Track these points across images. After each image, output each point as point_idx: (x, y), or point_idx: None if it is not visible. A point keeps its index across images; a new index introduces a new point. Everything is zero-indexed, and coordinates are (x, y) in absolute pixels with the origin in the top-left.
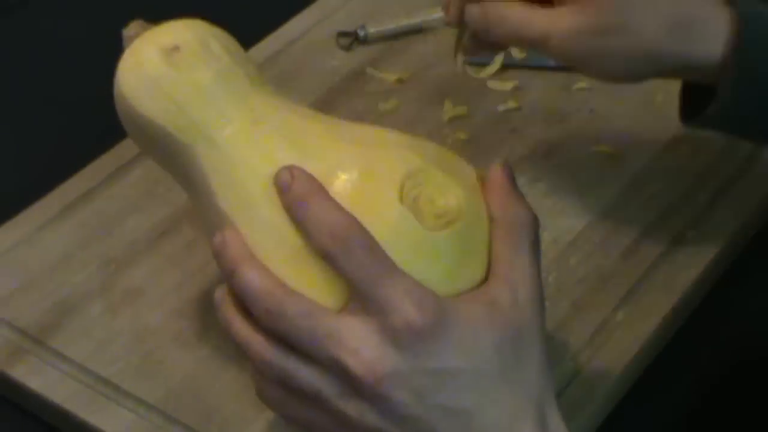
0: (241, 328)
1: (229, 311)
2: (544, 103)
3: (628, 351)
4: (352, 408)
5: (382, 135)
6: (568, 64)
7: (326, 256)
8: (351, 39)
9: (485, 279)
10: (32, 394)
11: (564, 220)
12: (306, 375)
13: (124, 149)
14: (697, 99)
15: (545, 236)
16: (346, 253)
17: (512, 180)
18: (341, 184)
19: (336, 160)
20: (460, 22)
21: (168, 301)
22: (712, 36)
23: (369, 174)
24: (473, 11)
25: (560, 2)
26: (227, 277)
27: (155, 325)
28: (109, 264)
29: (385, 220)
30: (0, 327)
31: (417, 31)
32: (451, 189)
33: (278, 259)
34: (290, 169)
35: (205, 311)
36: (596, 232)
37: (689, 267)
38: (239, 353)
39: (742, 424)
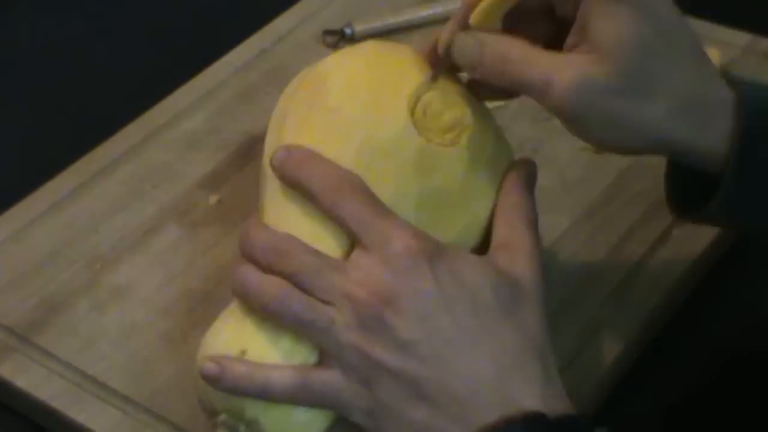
0: (257, 273)
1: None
2: (530, 102)
3: (614, 347)
4: (361, 339)
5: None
6: (564, 122)
7: (326, 209)
8: (337, 37)
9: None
10: (19, 392)
11: (550, 218)
12: (318, 307)
13: (111, 147)
14: (685, 186)
15: None
16: (342, 200)
17: (527, 177)
18: (358, 82)
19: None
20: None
21: (155, 299)
22: (720, 124)
23: (382, 80)
24: (466, 41)
25: (572, 47)
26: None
27: (142, 323)
28: (96, 262)
29: (391, 129)
30: None
31: (403, 29)
32: (458, 105)
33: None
34: (286, 146)
35: (192, 309)
36: (582, 230)
37: (675, 263)
38: None
39: (728, 418)
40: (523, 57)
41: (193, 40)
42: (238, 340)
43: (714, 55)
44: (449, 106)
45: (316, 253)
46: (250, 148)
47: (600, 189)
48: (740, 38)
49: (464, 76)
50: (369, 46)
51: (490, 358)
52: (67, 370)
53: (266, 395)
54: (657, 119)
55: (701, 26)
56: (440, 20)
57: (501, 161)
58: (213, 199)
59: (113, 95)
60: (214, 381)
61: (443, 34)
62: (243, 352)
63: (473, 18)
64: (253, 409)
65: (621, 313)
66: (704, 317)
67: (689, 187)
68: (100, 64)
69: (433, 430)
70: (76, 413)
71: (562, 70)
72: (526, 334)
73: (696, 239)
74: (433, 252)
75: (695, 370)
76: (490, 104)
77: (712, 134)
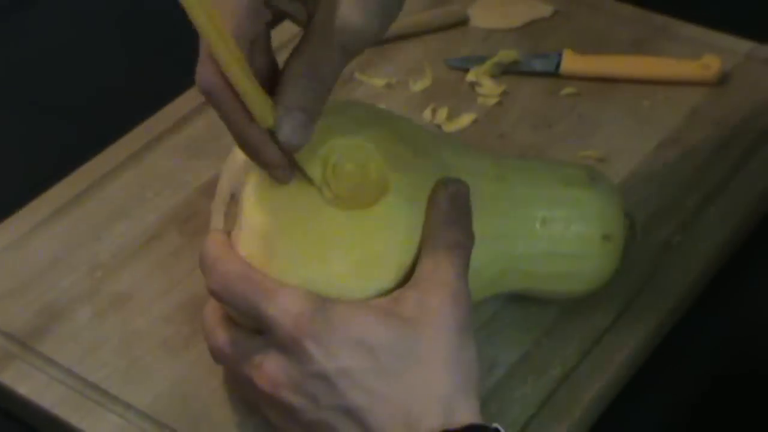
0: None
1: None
2: (532, 108)
3: (616, 356)
4: (273, 415)
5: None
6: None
7: (220, 301)
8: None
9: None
10: (20, 399)
11: None
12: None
13: (113, 154)
14: None
15: None
16: (226, 291)
17: (453, 199)
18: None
19: None
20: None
21: (156, 306)
22: None
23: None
24: (298, 92)
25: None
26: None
27: (143, 330)
28: (98, 269)
29: (305, 201)
30: None
31: (406, 36)
32: (370, 165)
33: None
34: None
35: (193, 316)
36: None
37: (678, 272)
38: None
39: (735, 424)
40: (316, 60)
41: (196, 46)
42: None
43: (714, 62)
44: (357, 165)
45: (233, 340)
46: None
47: None
48: (742, 46)
49: None
50: None
51: (382, 426)
52: (68, 377)
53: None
54: None
55: (703, 33)
56: (445, 25)
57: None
58: None
59: (115, 102)
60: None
61: (273, 166)
62: None
63: (268, 120)
64: None
65: (624, 322)
66: (709, 323)
67: None
68: (102, 70)
69: None
70: (78, 420)
71: (339, 26)
72: (426, 390)
73: (700, 246)
74: (317, 330)
75: (700, 377)
76: (481, 99)
77: None
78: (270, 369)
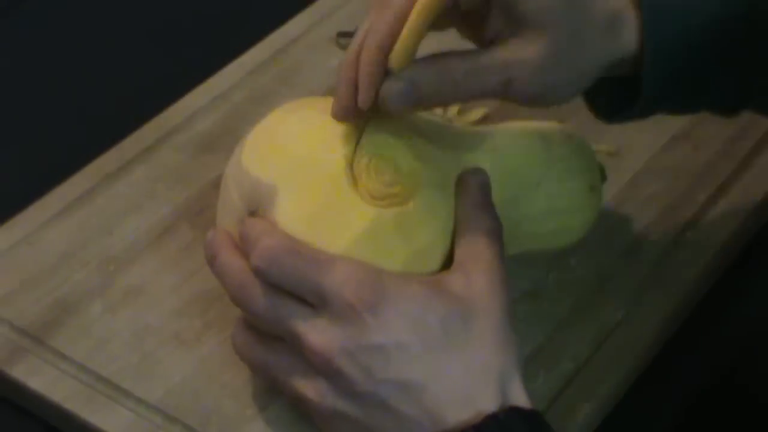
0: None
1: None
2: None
3: (627, 351)
4: (311, 389)
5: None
6: (528, 105)
7: (264, 277)
8: (351, 39)
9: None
10: (32, 393)
11: None
12: (278, 349)
13: (125, 149)
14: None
15: None
16: (274, 265)
17: (482, 188)
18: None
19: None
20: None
21: (168, 300)
22: (629, 26)
23: (314, 161)
24: (396, 88)
25: (497, 32)
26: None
27: (155, 325)
28: (109, 263)
29: (351, 214)
30: (0, 326)
31: None
32: (398, 153)
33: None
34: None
35: (205, 310)
36: (596, 232)
37: (689, 266)
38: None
39: (743, 424)
40: (466, 70)
41: (207, 42)
42: None
43: None
44: (387, 161)
45: (280, 296)
46: None
47: (613, 191)
48: None
49: None
50: (284, 126)
51: (439, 400)
52: (80, 372)
53: None
54: (592, 53)
55: None
56: None
57: (447, 202)
58: None
59: (127, 97)
60: None
61: (362, 93)
62: None
63: (395, 63)
64: None
65: (636, 317)
66: (720, 317)
67: (610, 93)
68: (113, 66)
69: None
70: (89, 414)
71: (513, 63)
72: (482, 366)
73: (711, 241)
74: (376, 302)
75: (711, 370)
76: (475, 116)
77: (628, 37)
78: (322, 339)
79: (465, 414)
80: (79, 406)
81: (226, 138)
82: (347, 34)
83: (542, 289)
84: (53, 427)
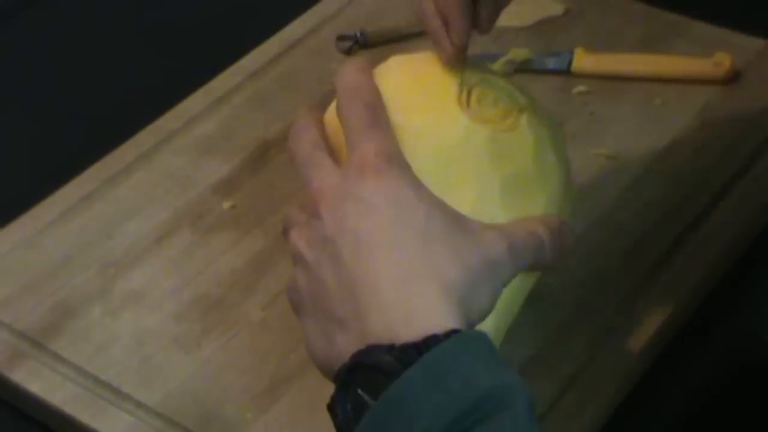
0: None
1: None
2: (543, 106)
3: (628, 354)
4: (296, 233)
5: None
6: None
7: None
8: (351, 42)
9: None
10: (32, 397)
11: None
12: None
13: (125, 153)
14: None
15: None
16: (349, 104)
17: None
18: (406, 97)
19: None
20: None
21: (167, 304)
22: None
23: (428, 89)
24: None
25: None
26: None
27: (155, 329)
28: (109, 267)
29: (456, 131)
30: (0, 330)
31: (417, 34)
32: (504, 89)
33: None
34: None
35: (205, 314)
36: (596, 235)
37: (689, 270)
38: (237, 357)
39: (745, 427)
40: None
41: (207, 45)
42: None
43: (726, 60)
44: (498, 92)
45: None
46: (264, 154)
47: (614, 195)
48: (753, 43)
49: None
50: (397, 63)
51: (382, 274)
52: (79, 376)
53: None
54: None
55: (714, 31)
56: None
57: (556, 131)
58: (226, 204)
59: (126, 101)
60: None
61: (455, 26)
62: None
63: None
64: None
65: (634, 320)
66: (721, 321)
67: None
68: (113, 70)
69: (326, 335)
70: (89, 418)
71: None
72: (436, 267)
73: (711, 245)
74: (384, 168)
75: (709, 375)
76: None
77: None
78: (321, 183)
79: (409, 330)
80: (78, 410)
81: (226, 142)
82: (348, 38)
83: (543, 293)
84: (53, 431)
